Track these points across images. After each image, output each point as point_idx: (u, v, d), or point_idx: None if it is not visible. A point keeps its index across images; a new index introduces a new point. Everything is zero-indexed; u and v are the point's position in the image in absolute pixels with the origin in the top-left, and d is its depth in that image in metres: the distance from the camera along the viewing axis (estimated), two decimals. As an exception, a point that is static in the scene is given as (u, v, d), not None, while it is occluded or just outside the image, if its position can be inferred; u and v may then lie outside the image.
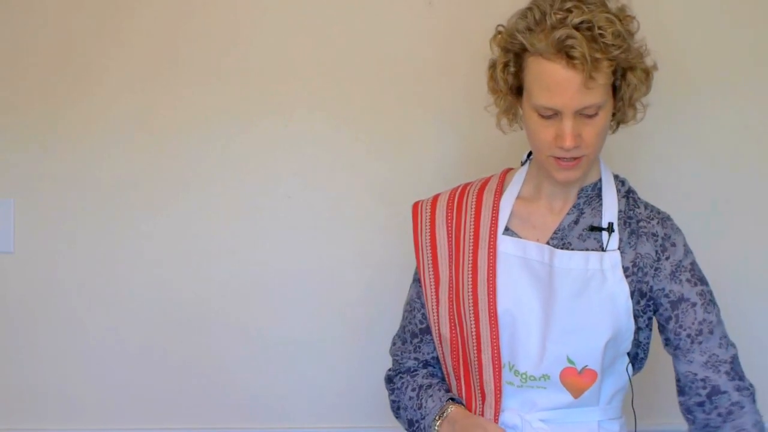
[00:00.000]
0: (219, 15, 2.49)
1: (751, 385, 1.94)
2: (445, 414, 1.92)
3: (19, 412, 2.49)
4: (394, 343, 2.08)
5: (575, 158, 1.87)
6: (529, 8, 1.86)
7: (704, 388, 1.92)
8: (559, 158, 1.87)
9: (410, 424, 1.98)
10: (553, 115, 1.84)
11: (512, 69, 1.89)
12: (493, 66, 1.94)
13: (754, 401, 1.93)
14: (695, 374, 1.92)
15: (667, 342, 1.96)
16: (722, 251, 2.41)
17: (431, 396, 1.96)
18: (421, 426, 1.95)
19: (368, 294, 2.46)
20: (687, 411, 1.95)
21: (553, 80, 1.81)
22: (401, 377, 2.03)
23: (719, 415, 1.91)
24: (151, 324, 2.48)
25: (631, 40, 1.86)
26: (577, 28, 1.80)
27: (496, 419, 1.90)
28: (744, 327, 2.32)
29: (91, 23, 2.48)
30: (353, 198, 2.47)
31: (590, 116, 1.84)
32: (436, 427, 1.92)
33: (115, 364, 2.49)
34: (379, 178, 2.47)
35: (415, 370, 2.03)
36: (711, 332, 1.92)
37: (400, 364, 2.05)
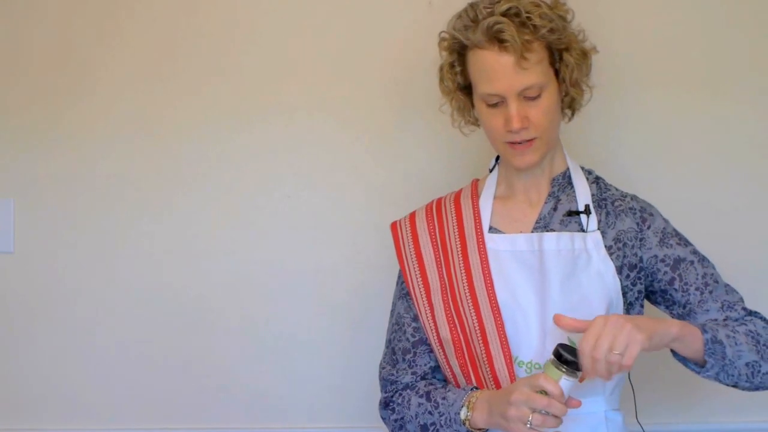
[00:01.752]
0: (219, 15, 2.49)
1: (763, 316, 1.99)
2: (474, 398, 1.92)
3: (19, 412, 2.49)
4: (383, 368, 2.08)
5: (528, 141, 1.95)
6: (465, 9, 1.97)
7: (725, 326, 1.94)
8: (512, 144, 1.96)
9: (424, 429, 1.96)
10: (499, 102, 1.94)
11: (458, 68, 2.00)
12: (441, 69, 2.04)
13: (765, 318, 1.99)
14: (715, 320, 1.96)
15: (673, 304, 2.00)
16: (730, 254, 2.40)
17: (449, 391, 1.96)
18: (441, 423, 1.94)
19: (368, 294, 2.46)
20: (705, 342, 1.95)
21: (490, 66, 1.91)
22: (400, 394, 2.03)
23: (735, 320, 1.96)
24: (151, 324, 2.48)
25: (562, 21, 1.96)
26: (505, 15, 1.91)
27: None
28: None
29: (91, 23, 2.48)
30: (353, 198, 2.48)
31: (533, 98, 1.93)
32: (469, 411, 1.91)
33: (115, 364, 2.49)
34: (378, 178, 2.47)
35: (414, 384, 2.03)
36: (716, 281, 2.00)
37: (396, 383, 2.05)
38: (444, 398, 1.95)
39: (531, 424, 1.80)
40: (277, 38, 2.48)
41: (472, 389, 1.95)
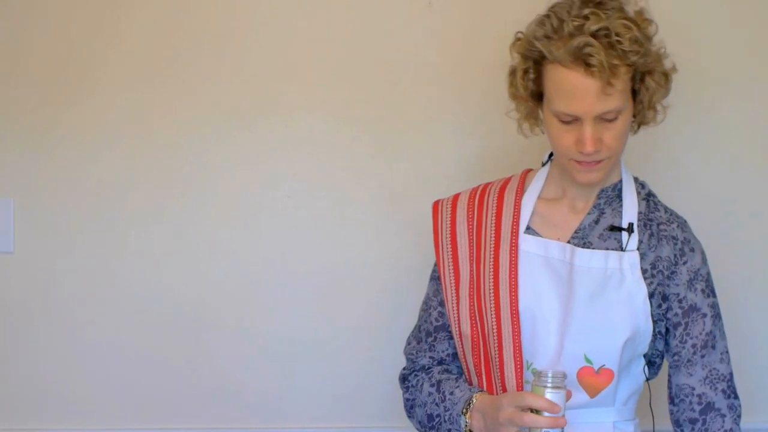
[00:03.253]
0: (219, 15, 2.48)
1: (740, 405, 1.97)
2: (471, 405, 1.91)
3: (19, 412, 2.49)
4: (409, 342, 2.08)
5: (597, 161, 1.89)
6: (547, 15, 1.88)
7: (699, 404, 1.94)
8: (580, 162, 1.90)
9: (429, 419, 1.97)
10: (573, 120, 1.86)
11: (532, 76, 1.90)
12: (513, 73, 1.95)
13: (739, 421, 1.96)
14: (693, 389, 1.94)
15: (667, 349, 1.98)
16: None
17: (457, 387, 1.95)
18: (445, 418, 1.94)
19: (368, 294, 2.46)
20: (677, 423, 1.97)
21: (572, 87, 1.83)
22: (416, 375, 2.03)
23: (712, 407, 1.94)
24: (151, 324, 2.48)
25: (649, 44, 1.87)
26: (594, 35, 1.81)
27: None
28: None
29: (91, 23, 2.48)
30: (353, 198, 2.48)
31: (610, 120, 1.86)
32: (467, 419, 1.90)
33: (114, 364, 2.49)
34: (378, 178, 2.47)
35: (430, 368, 2.03)
36: (714, 347, 1.95)
37: (414, 362, 2.05)
38: (452, 393, 1.94)
39: None
40: (277, 38, 2.48)
41: (473, 392, 1.93)
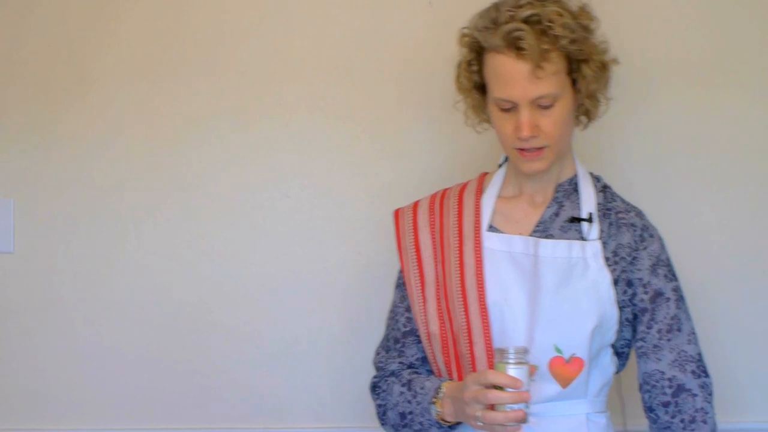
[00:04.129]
0: (218, 15, 2.48)
1: (711, 383, 1.98)
2: (440, 392, 1.93)
3: (19, 412, 2.49)
4: (377, 353, 2.11)
5: (538, 149, 1.93)
6: (487, 8, 1.95)
7: (671, 387, 1.95)
8: (522, 150, 1.94)
9: (402, 417, 1.99)
10: (512, 107, 1.92)
11: (475, 67, 1.98)
12: (458, 65, 2.02)
13: (712, 398, 1.97)
14: (663, 373, 1.96)
15: (634, 336, 2.00)
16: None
17: (428, 380, 1.98)
18: (416, 412, 1.96)
19: (368, 294, 2.45)
20: (649, 409, 1.98)
21: (506, 72, 1.90)
22: (386, 380, 2.06)
23: (682, 421, 1.95)
24: (151, 323, 2.48)
25: (585, 33, 1.93)
26: (526, 21, 1.88)
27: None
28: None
29: (90, 23, 2.48)
30: (353, 198, 2.47)
31: (547, 107, 1.91)
32: (438, 408, 1.92)
33: (114, 364, 2.49)
34: (378, 178, 2.47)
35: (400, 372, 2.05)
36: (680, 329, 1.98)
37: (384, 369, 2.08)
38: (422, 387, 1.97)
39: (481, 422, 1.81)
40: (277, 38, 2.48)
41: (442, 382, 1.95)
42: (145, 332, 2.48)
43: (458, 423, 1.94)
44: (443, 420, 1.93)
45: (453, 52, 2.04)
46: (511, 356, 1.79)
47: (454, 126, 2.44)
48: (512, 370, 1.79)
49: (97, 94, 2.48)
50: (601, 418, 1.99)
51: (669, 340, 1.96)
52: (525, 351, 1.81)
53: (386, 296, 2.15)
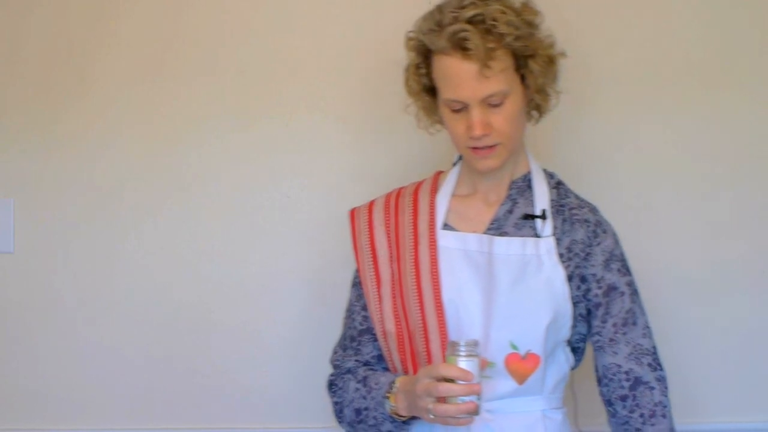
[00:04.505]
0: (218, 15, 2.49)
1: (665, 376, 2.00)
2: (394, 387, 1.95)
3: (19, 412, 2.49)
4: (335, 352, 2.13)
5: (490, 147, 1.94)
6: (431, 10, 1.96)
7: (628, 380, 1.97)
8: (475, 148, 1.96)
9: (357, 413, 2.00)
10: (462, 108, 1.93)
11: (423, 70, 1.99)
12: (407, 69, 2.03)
13: (668, 392, 1.99)
14: (619, 366, 1.97)
15: (590, 331, 2.01)
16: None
17: (383, 376, 2.00)
18: (371, 407, 1.98)
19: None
20: (608, 403, 2.00)
21: (454, 73, 1.90)
22: (342, 378, 2.07)
23: (641, 416, 1.96)
24: (150, 324, 2.49)
25: (530, 29, 1.94)
26: (470, 21, 1.89)
27: None
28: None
29: (90, 23, 2.49)
30: (353, 198, 2.47)
31: (497, 105, 1.92)
32: (392, 403, 1.94)
33: (114, 364, 2.49)
34: (379, 178, 2.47)
35: (356, 369, 2.07)
36: (635, 323, 1.99)
37: (340, 367, 2.09)
38: (377, 383, 1.99)
39: (433, 414, 1.83)
40: (277, 38, 2.48)
41: (396, 377, 1.97)
42: (145, 332, 2.48)
43: (413, 418, 1.95)
44: (397, 414, 1.94)
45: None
46: (462, 349, 1.82)
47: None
48: (463, 363, 1.82)
49: (97, 94, 2.48)
50: (557, 415, 2.01)
51: (624, 333, 1.98)
52: (476, 344, 1.84)
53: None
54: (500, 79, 1.90)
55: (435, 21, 1.93)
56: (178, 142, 2.48)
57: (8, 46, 2.49)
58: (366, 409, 1.99)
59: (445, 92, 1.93)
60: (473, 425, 1.90)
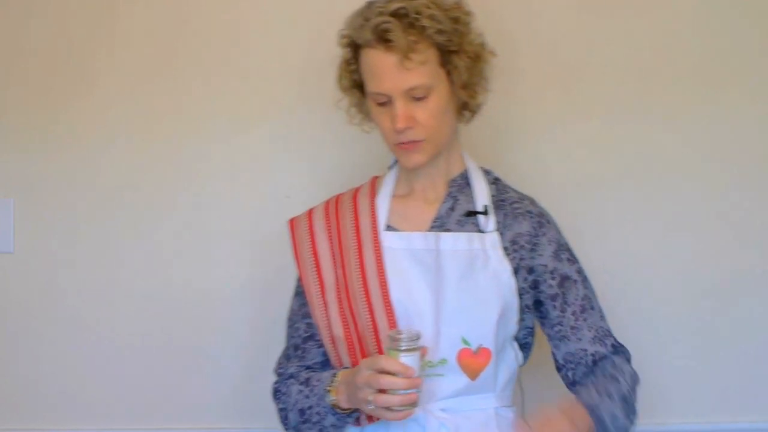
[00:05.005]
0: (218, 15, 2.49)
1: (628, 350, 2.05)
2: (335, 380, 1.96)
3: (19, 412, 2.49)
4: (279, 363, 2.12)
5: (415, 141, 1.95)
6: (361, 7, 1.98)
7: (594, 361, 2.00)
8: (401, 144, 1.97)
9: (301, 413, 2.00)
10: (387, 101, 1.95)
11: (353, 66, 2.02)
12: (339, 66, 2.06)
13: (631, 361, 2.04)
14: (585, 350, 2.01)
15: (546, 319, 2.03)
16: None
17: (326, 372, 2.01)
18: (314, 403, 1.98)
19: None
20: (572, 384, 2.02)
21: (376, 65, 1.93)
22: (285, 383, 2.07)
23: (603, 376, 1.98)
24: (151, 323, 2.49)
25: (455, 25, 1.95)
26: (394, 14, 1.92)
27: None
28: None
29: (91, 23, 2.49)
30: (353, 198, 2.47)
31: (421, 98, 1.94)
32: (333, 396, 1.94)
33: (114, 364, 2.49)
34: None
35: (298, 373, 2.07)
36: (592, 307, 2.03)
37: (283, 374, 2.09)
38: (319, 380, 1.99)
39: (373, 406, 1.83)
40: (277, 38, 2.48)
41: (337, 371, 1.98)
42: (146, 332, 2.48)
43: (355, 411, 1.95)
44: (338, 407, 1.95)
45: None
46: (403, 344, 1.83)
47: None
48: (404, 358, 1.82)
49: (97, 94, 2.48)
50: (508, 413, 2.02)
51: (585, 319, 2.01)
52: (417, 336, 1.84)
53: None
54: (422, 72, 1.92)
55: (363, 16, 1.96)
56: (178, 142, 2.48)
57: (8, 46, 2.49)
58: (309, 407, 1.99)
59: (370, 85, 1.96)
60: (427, 424, 1.92)
